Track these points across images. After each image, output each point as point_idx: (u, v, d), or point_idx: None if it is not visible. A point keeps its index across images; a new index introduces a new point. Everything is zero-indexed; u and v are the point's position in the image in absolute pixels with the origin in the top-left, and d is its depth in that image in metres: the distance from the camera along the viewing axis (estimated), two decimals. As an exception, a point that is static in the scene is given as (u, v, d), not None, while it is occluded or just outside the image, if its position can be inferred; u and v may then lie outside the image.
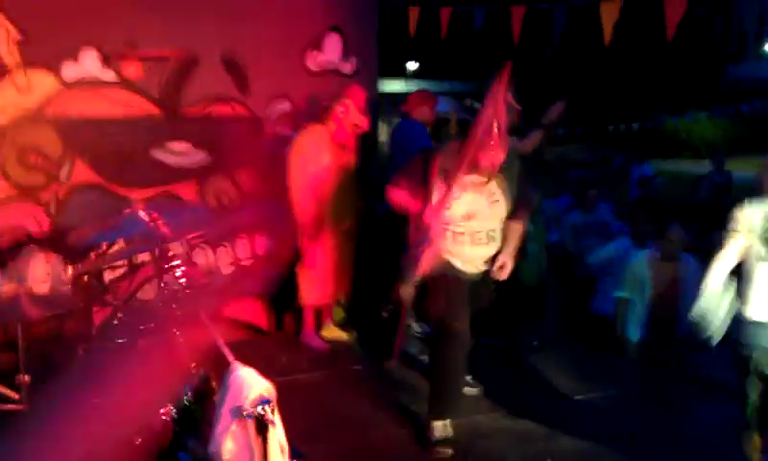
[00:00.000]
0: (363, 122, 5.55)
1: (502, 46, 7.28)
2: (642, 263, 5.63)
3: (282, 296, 5.84)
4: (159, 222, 2.66)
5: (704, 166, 11.79)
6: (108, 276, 4.25)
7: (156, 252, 2.82)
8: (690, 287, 5.02)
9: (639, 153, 11.29)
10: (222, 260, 5.80)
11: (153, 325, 3.24)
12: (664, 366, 5.31)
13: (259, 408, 2.37)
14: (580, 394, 4.88)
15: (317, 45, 6.25)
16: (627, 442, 4.18)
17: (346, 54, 6.37)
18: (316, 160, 5.44)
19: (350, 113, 5.49)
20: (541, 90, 5.57)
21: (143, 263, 3.76)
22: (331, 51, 6.33)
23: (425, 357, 5.41)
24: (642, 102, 13.57)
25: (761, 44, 14.96)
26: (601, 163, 11.28)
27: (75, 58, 5.38)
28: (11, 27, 5.16)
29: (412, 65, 13.28)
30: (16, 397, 3.19)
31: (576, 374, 5.20)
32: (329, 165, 5.49)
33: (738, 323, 3.70)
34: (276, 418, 2.42)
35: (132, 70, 5.56)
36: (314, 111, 5.86)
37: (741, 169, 10.64)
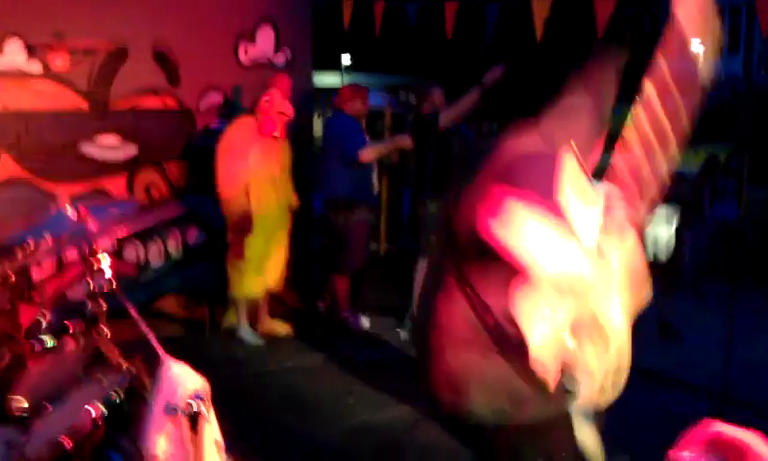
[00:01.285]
0: (288, 109, 5.48)
1: (436, 41, 7.37)
2: None
3: (215, 290, 5.80)
4: (87, 218, 2.61)
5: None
6: (35, 274, 4.14)
7: (85, 249, 2.76)
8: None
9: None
10: (152, 254, 5.73)
11: (82, 323, 3.18)
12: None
13: (193, 405, 2.35)
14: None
15: (249, 37, 6.20)
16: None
17: (278, 46, 6.35)
18: (244, 153, 5.38)
19: (275, 102, 5.41)
20: (475, 85, 5.61)
21: (71, 261, 3.69)
22: (264, 43, 6.30)
23: (360, 352, 5.47)
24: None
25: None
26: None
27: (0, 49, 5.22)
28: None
29: (347, 59, 13.28)
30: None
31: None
32: (259, 157, 5.43)
33: None
34: (211, 414, 2.41)
35: (60, 62, 5.42)
36: (246, 104, 5.83)
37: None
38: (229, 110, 5.98)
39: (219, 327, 5.92)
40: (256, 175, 5.43)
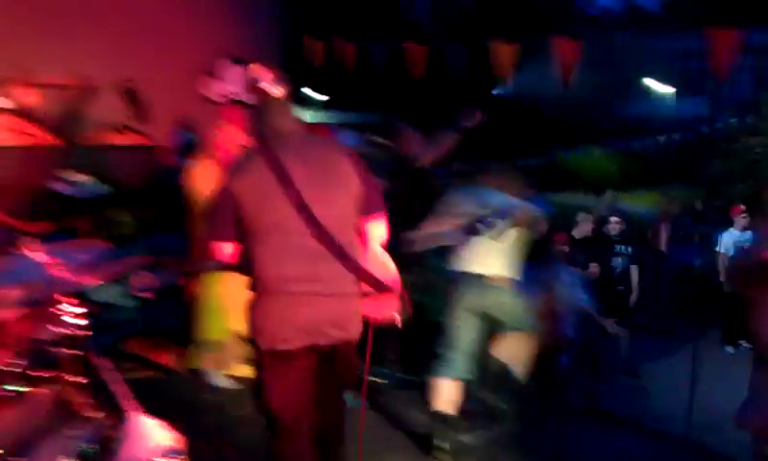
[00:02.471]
0: (246, 140, 5.43)
1: (404, 81, 7.45)
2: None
3: (186, 331, 5.71)
4: (55, 265, 2.57)
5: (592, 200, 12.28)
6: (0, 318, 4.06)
7: (52, 295, 2.72)
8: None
9: (536, 187, 11.64)
10: (118, 295, 5.63)
11: (51, 370, 3.11)
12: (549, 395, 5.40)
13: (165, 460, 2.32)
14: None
15: (219, 75, 6.20)
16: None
17: (248, 84, 6.35)
18: (205, 191, 5.34)
19: (230, 135, 5.37)
20: (444, 126, 5.67)
21: (38, 306, 3.61)
22: (234, 81, 6.29)
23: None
24: (538, 138, 14.14)
25: (640, 83, 16.07)
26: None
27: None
28: None
29: (318, 96, 13.42)
30: None
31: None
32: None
33: None
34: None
35: (28, 98, 5.38)
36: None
37: (633, 203, 11.11)
38: (191, 147, 5.96)
39: (186, 369, 5.82)
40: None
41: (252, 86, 3.27)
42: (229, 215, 2.88)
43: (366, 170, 3.02)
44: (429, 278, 6.00)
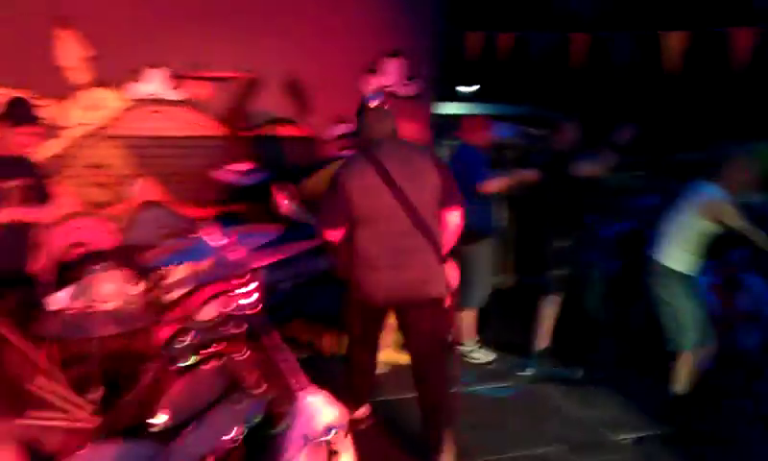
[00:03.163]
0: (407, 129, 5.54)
1: (561, 71, 7.26)
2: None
3: (340, 315, 5.85)
4: (231, 246, 2.68)
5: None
6: (175, 295, 4.32)
7: (227, 274, 2.85)
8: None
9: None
10: (282, 278, 5.84)
11: (221, 344, 3.27)
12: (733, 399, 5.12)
13: (329, 435, 2.36)
14: (625, 432, 4.66)
15: (377, 69, 6.30)
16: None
17: (405, 78, 6.42)
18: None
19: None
20: (601, 117, 5.48)
21: (211, 284, 3.81)
22: (391, 74, 6.38)
23: (486, 386, 5.39)
24: (702, 131, 13.38)
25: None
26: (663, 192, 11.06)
27: (142, 77, 5.51)
28: (82, 45, 5.31)
29: (464, 88, 13.29)
30: (89, 411, 3.24)
31: (630, 409, 5.04)
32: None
33: None
34: (347, 444, 2.42)
35: (198, 90, 5.68)
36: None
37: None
38: (349, 138, 6.07)
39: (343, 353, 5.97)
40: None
41: (362, 99, 4.01)
42: (340, 205, 3.72)
43: (445, 167, 3.89)
44: (581, 273, 5.85)
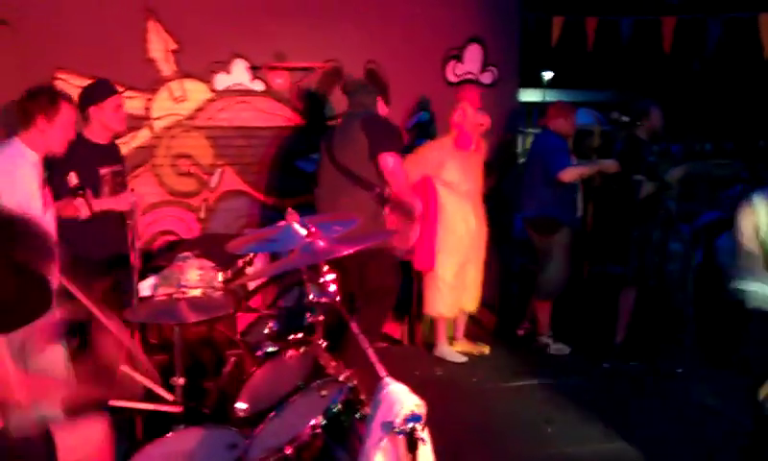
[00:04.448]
0: (485, 120, 5.48)
1: (648, 56, 7.05)
2: None
3: (416, 305, 5.85)
4: (315, 234, 2.69)
5: None
6: (252, 282, 4.40)
7: (311, 263, 2.86)
8: None
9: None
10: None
11: (301, 332, 3.30)
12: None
13: (410, 425, 2.34)
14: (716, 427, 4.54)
15: (457, 56, 6.24)
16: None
17: (486, 65, 6.34)
18: (436, 169, 5.45)
19: (468, 116, 5.43)
20: (688, 102, 5.29)
21: (290, 272, 3.85)
22: (471, 62, 6.31)
23: (561, 379, 5.31)
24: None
25: None
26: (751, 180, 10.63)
27: (226, 68, 5.61)
28: (168, 37, 5.44)
29: (548, 74, 13.04)
30: (171, 398, 3.32)
31: (714, 405, 4.87)
32: (456, 173, 5.46)
33: None
34: (426, 435, 2.40)
35: (280, 81, 5.74)
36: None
37: None
38: (426, 126, 6.05)
39: (416, 342, 5.99)
40: (453, 191, 5.44)
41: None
42: None
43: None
44: (664, 264, 5.69)
